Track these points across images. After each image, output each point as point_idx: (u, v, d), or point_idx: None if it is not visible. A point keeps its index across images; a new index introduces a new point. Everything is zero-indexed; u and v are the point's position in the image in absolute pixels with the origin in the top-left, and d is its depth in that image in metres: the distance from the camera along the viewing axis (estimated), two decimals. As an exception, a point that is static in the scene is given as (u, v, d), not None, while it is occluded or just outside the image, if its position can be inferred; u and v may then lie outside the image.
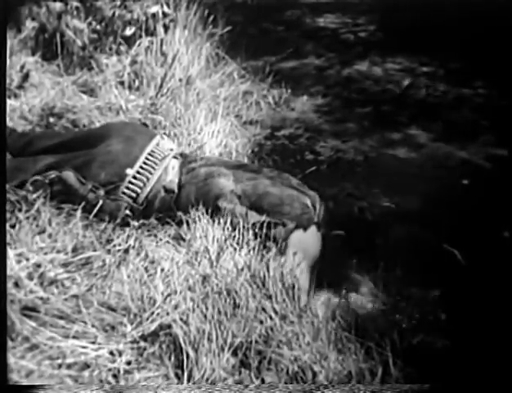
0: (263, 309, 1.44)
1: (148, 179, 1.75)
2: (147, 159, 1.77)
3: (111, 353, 1.29)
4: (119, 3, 2.77)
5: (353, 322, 1.46)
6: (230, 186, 1.75)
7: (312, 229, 1.74)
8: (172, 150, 1.86)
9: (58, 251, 1.51)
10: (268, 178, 1.82)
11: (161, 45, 2.73)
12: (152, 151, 1.80)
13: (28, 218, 1.58)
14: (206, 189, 1.74)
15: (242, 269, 1.56)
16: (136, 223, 1.69)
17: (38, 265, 1.43)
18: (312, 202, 1.78)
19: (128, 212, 1.72)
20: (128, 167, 1.74)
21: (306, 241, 1.71)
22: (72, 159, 1.75)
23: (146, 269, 1.54)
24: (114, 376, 1.26)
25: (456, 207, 1.93)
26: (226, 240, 1.66)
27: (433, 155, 2.41)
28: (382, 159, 2.39)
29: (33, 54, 2.65)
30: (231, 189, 1.74)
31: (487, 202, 1.95)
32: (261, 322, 1.41)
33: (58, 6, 2.70)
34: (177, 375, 1.29)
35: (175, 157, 1.85)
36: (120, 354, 1.29)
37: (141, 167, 1.76)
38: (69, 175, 1.72)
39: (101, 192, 1.71)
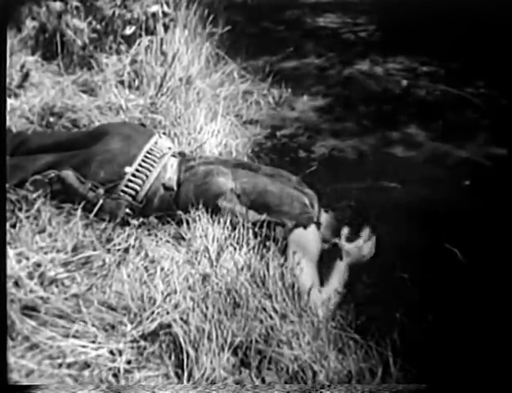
0: (263, 309, 1.44)
1: (147, 177, 1.75)
2: (146, 157, 1.78)
3: (111, 352, 1.29)
4: (118, 3, 2.77)
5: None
6: (229, 184, 1.75)
7: (312, 228, 1.75)
8: (170, 148, 1.87)
9: (58, 251, 1.51)
10: (268, 176, 1.82)
11: (161, 44, 2.73)
12: (151, 149, 1.80)
13: (28, 217, 1.58)
14: (205, 188, 1.75)
15: (242, 269, 1.56)
16: (136, 222, 1.69)
17: (38, 265, 1.43)
18: (311, 201, 1.79)
19: (127, 210, 1.72)
20: (126, 165, 1.74)
21: (306, 240, 1.71)
22: (71, 158, 1.75)
23: (146, 269, 1.54)
24: (115, 375, 1.26)
25: (456, 206, 1.93)
26: (226, 239, 1.66)
27: (432, 153, 2.41)
28: (381, 158, 2.39)
29: (34, 53, 2.65)
30: (230, 188, 1.74)
31: (487, 201, 1.95)
32: (261, 321, 1.41)
33: (58, 5, 2.70)
34: (177, 374, 1.29)
35: (173, 156, 1.85)
36: (120, 353, 1.29)
37: (140, 165, 1.76)
38: (69, 174, 1.72)
39: (101, 191, 1.71)
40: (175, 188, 1.76)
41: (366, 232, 1.74)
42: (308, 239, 1.71)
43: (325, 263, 1.70)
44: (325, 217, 1.81)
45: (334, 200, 1.88)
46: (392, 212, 1.87)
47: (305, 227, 1.72)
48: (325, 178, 2.09)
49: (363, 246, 1.73)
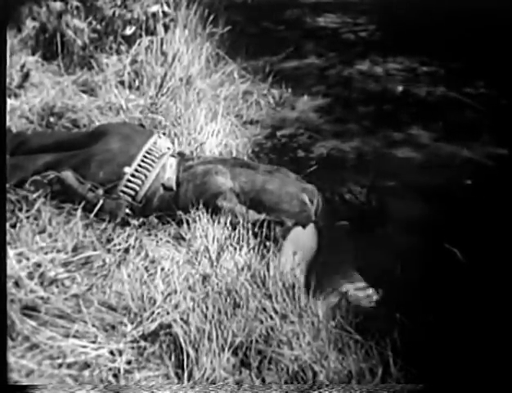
0: (264, 309, 1.44)
1: (146, 177, 1.75)
2: (145, 157, 1.78)
3: (111, 352, 1.29)
4: (119, 3, 2.77)
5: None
6: (228, 184, 1.75)
7: (310, 227, 1.75)
8: (169, 149, 1.87)
9: (58, 251, 1.51)
10: (266, 174, 1.82)
11: (161, 44, 2.73)
12: (150, 149, 1.80)
13: (28, 217, 1.58)
14: (204, 187, 1.75)
15: (242, 269, 1.56)
16: (136, 223, 1.69)
17: (39, 265, 1.43)
18: (310, 197, 1.78)
19: (127, 210, 1.72)
20: (125, 165, 1.74)
21: (304, 239, 1.71)
22: (70, 158, 1.75)
23: (147, 269, 1.54)
24: (115, 375, 1.26)
25: (458, 206, 1.93)
26: (226, 239, 1.66)
27: (433, 154, 2.41)
28: (381, 158, 2.39)
29: (34, 53, 2.65)
30: (229, 187, 1.74)
31: (489, 201, 1.95)
32: (261, 321, 1.41)
33: (58, 5, 2.70)
34: (177, 374, 1.29)
35: (173, 156, 1.85)
36: (120, 353, 1.29)
37: (139, 165, 1.76)
38: (68, 175, 1.72)
39: (100, 191, 1.71)
40: (174, 188, 1.76)
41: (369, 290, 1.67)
42: (305, 240, 1.72)
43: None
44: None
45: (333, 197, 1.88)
46: (392, 212, 1.87)
47: (304, 226, 1.73)
48: (325, 178, 2.09)
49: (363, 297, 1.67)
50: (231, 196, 1.73)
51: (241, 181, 1.77)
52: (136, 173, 1.75)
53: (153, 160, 1.78)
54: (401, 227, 1.81)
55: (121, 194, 1.73)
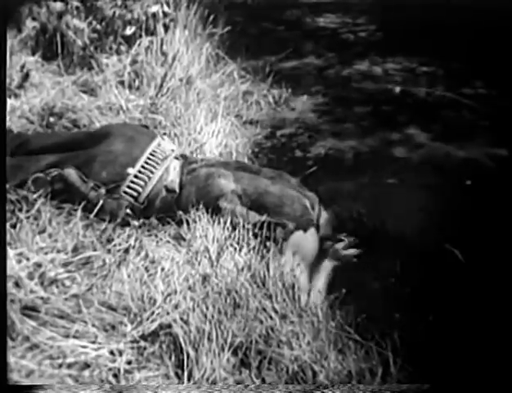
0: (263, 309, 1.44)
1: (149, 179, 1.75)
2: (148, 159, 1.78)
3: (111, 352, 1.29)
4: (119, 3, 2.77)
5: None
6: (230, 186, 1.75)
7: (311, 231, 1.75)
8: (173, 151, 1.87)
9: (58, 251, 1.51)
10: (268, 178, 1.82)
11: (161, 45, 2.73)
12: (153, 151, 1.80)
13: (28, 217, 1.58)
14: (207, 190, 1.75)
15: (242, 269, 1.56)
16: (136, 223, 1.69)
17: (39, 265, 1.43)
18: (311, 203, 1.79)
19: (128, 211, 1.72)
20: (128, 167, 1.74)
21: (305, 243, 1.71)
22: (73, 158, 1.75)
23: (147, 269, 1.54)
24: (115, 375, 1.26)
25: (457, 206, 1.93)
26: (226, 240, 1.66)
27: (432, 154, 2.41)
28: (379, 158, 2.39)
29: (34, 54, 2.65)
30: (231, 189, 1.74)
31: (488, 201, 1.96)
32: (261, 321, 1.41)
33: (58, 5, 2.70)
34: (177, 374, 1.29)
35: (176, 158, 1.85)
36: (120, 353, 1.29)
37: (143, 167, 1.76)
38: (71, 173, 1.72)
39: (102, 191, 1.71)
40: (177, 191, 1.76)
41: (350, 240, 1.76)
42: (307, 243, 1.72)
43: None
44: (324, 216, 1.81)
45: (333, 198, 1.88)
46: (392, 212, 1.87)
47: (305, 230, 1.73)
48: (324, 178, 2.09)
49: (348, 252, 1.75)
50: (233, 198, 1.73)
51: (244, 184, 1.77)
52: (140, 175, 1.75)
53: (157, 162, 1.78)
54: (400, 227, 1.81)
55: (123, 195, 1.73)
